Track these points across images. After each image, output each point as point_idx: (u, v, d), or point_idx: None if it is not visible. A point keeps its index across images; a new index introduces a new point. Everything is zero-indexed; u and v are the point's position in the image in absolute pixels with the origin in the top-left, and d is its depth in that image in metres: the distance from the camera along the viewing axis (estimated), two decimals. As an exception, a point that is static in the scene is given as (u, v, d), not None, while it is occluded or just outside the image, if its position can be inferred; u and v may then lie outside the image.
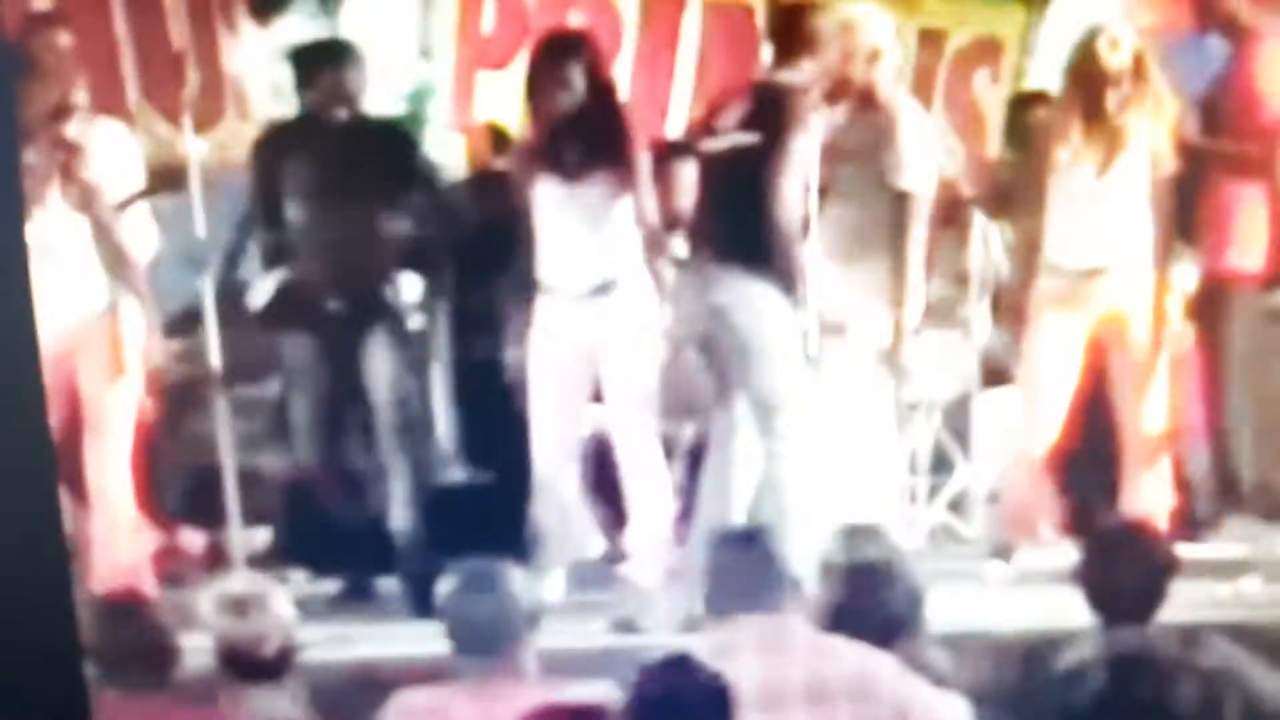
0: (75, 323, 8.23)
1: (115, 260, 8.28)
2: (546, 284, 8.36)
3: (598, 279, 8.33)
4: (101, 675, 5.55)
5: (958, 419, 9.58)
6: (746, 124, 8.26)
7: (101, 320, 8.28)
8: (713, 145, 8.36)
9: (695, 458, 8.81)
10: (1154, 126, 8.52)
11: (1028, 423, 8.73)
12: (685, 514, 8.48)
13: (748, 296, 8.16)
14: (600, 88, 8.36)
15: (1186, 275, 9.11)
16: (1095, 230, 8.55)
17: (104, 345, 8.27)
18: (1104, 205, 8.52)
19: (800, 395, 8.21)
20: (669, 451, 8.77)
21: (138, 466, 8.37)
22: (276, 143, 8.96)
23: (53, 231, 8.13)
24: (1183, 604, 6.45)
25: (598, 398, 8.50)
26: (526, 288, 8.41)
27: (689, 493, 8.58)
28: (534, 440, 8.36)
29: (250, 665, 5.84)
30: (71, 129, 8.33)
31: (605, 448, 8.58)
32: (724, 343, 8.30)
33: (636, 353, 8.37)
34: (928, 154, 8.53)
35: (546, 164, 8.28)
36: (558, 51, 8.35)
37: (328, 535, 8.98)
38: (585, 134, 8.21)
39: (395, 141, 9.03)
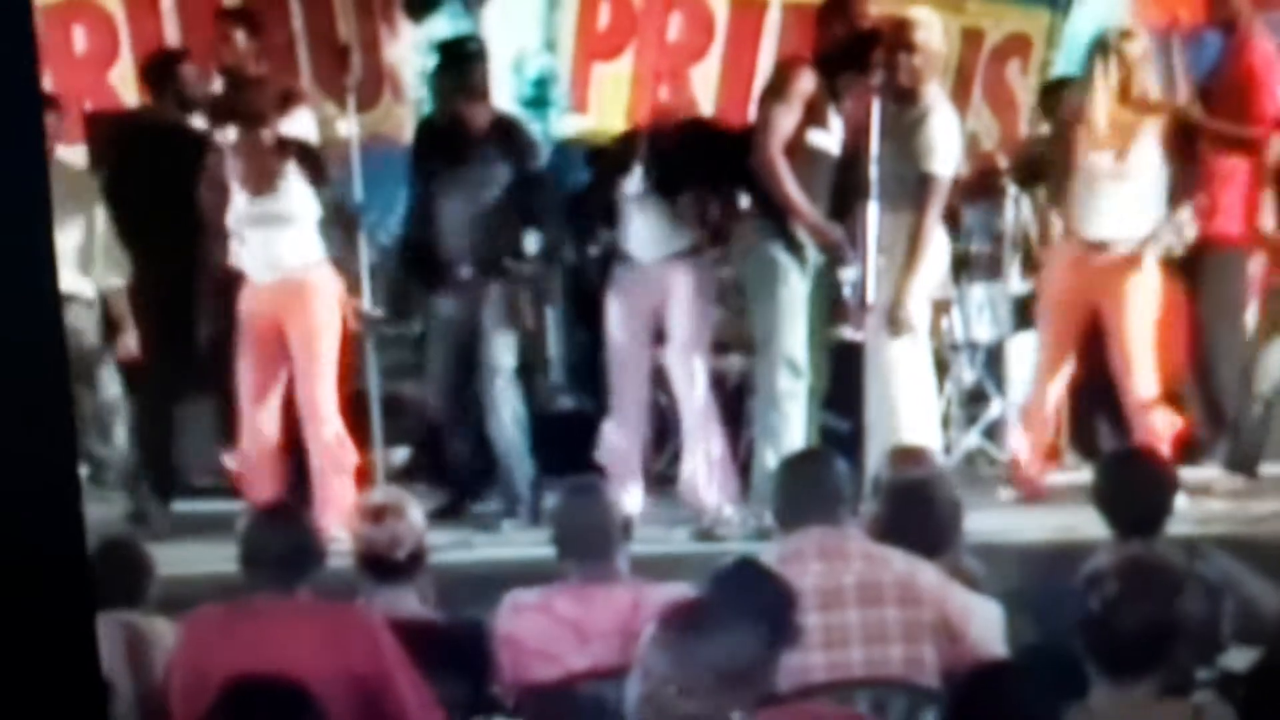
0: (298, 272, 8.19)
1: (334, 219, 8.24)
2: (626, 250, 8.22)
3: (671, 249, 8.18)
4: (252, 578, 5.28)
5: (995, 358, 9.26)
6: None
7: (319, 270, 8.21)
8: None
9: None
10: (1157, 120, 8.25)
11: (1044, 375, 8.50)
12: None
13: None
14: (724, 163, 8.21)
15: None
16: (1110, 206, 8.26)
17: (325, 292, 8.19)
18: (1122, 185, 8.24)
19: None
20: (744, 386, 8.53)
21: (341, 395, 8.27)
22: (425, 136, 8.81)
23: (291, 202, 8.14)
24: (1184, 520, 6.23)
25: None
26: (607, 252, 8.31)
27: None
28: (609, 376, 8.22)
29: (385, 566, 5.54)
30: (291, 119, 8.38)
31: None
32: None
33: (695, 306, 8.19)
34: (953, 142, 8.24)
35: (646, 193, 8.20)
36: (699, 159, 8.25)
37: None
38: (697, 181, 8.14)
39: (517, 135, 8.77)
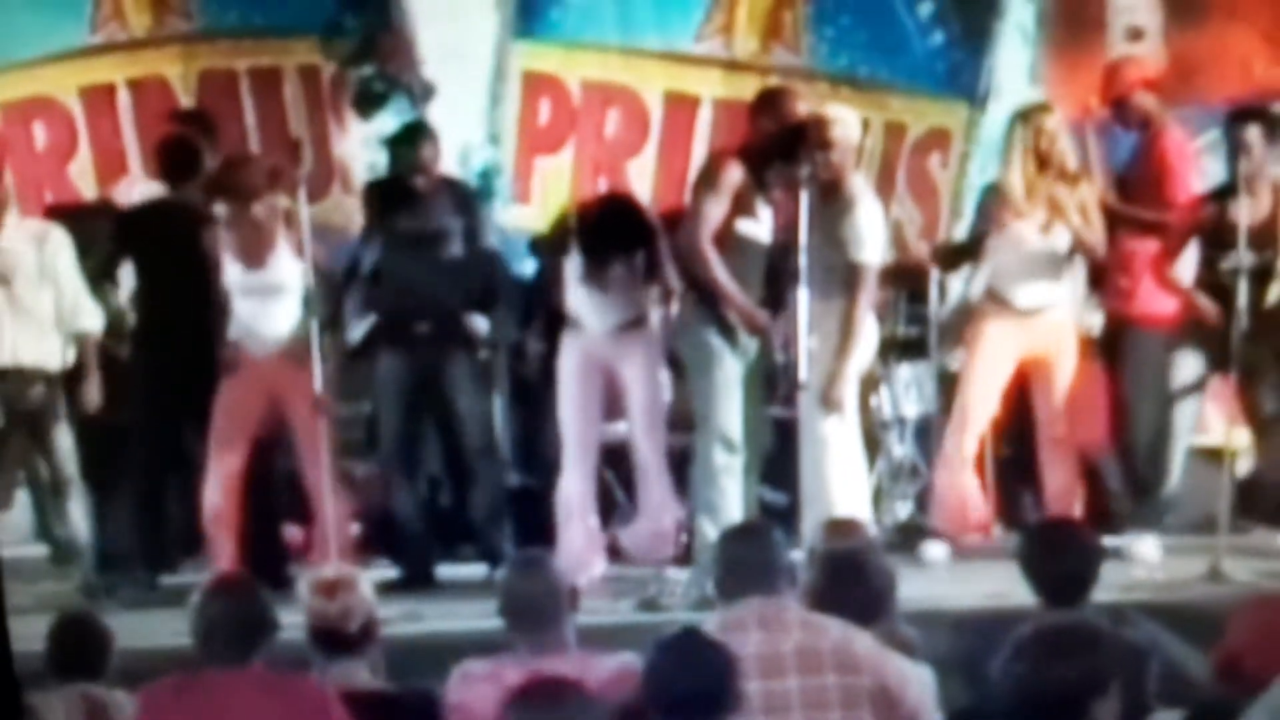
0: (288, 344, 8.19)
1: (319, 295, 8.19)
2: (574, 323, 8.21)
3: (617, 320, 8.18)
4: (206, 652, 5.14)
5: (923, 433, 9.27)
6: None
7: (303, 342, 8.13)
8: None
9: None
10: (1076, 196, 8.34)
11: (963, 429, 8.52)
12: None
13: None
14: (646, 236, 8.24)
15: (1096, 317, 9.05)
16: (1037, 276, 8.37)
17: (310, 364, 8.07)
18: (1045, 256, 8.37)
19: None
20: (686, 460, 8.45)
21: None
22: (376, 196, 8.83)
23: (280, 273, 8.20)
24: (1109, 587, 6.08)
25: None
26: (557, 326, 8.30)
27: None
28: (563, 448, 8.20)
29: (337, 639, 5.39)
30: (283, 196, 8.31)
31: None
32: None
33: (648, 378, 8.20)
34: (879, 231, 8.29)
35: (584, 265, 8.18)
36: (620, 230, 8.24)
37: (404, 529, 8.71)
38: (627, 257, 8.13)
39: (468, 200, 8.88)
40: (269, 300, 8.22)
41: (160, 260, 8.51)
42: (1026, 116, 8.50)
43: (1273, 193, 8.28)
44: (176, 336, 8.42)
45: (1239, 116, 8.41)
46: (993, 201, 8.51)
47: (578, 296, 8.24)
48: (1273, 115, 8.53)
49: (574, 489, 8.22)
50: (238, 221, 8.21)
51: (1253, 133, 8.28)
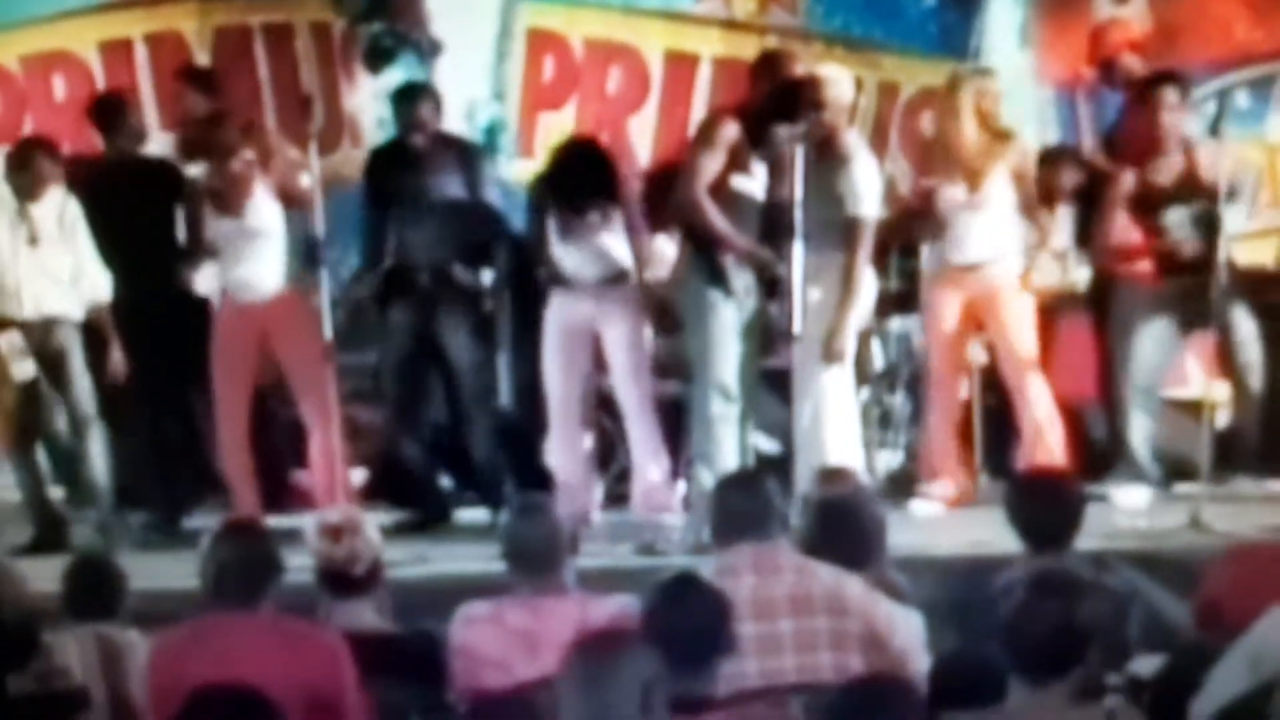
0: (280, 290, 8.20)
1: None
2: (560, 278, 8.21)
3: (598, 275, 8.17)
4: (216, 595, 5.15)
5: (913, 384, 9.20)
6: None
7: (299, 288, 8.15)
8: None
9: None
10: (1004, 157, 8.34)
11: (936, 385, 8.56)
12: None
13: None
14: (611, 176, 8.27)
15: (1083, 272, 8.94)
16: (973, 233, 8.35)
17: (306, 310, 8.04)
18: (978, 214, 8.33)
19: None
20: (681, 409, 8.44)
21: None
22: (380, 162, 8.87)
23: (259, 218, 8.21)
24: (1091, 534, 6.09)
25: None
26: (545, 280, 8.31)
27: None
28: (548, 400, 8.23)
29: (344, 581, 5.40)
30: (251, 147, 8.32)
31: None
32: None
33: (632, 334, 8.20)
34: (875, 187, 8.25)
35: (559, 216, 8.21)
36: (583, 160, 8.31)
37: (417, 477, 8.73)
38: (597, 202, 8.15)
39: (468, 155, 8.92)
40: (251, 246, 8.20)
41: (107, 214, 8.48)
42: (969, 79, 8.51)
43: (1185, 150, 8.35)
44: (143, 292, 8.42)
45: (1158, 81, 8.49)
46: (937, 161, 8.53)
47: (559, 254, 8.22)
48: (1186, 79, 8.59)
49: (559, 449, 8.23)
50: (217, 176, 8.23)
51: (1171, 95, 8.35)
